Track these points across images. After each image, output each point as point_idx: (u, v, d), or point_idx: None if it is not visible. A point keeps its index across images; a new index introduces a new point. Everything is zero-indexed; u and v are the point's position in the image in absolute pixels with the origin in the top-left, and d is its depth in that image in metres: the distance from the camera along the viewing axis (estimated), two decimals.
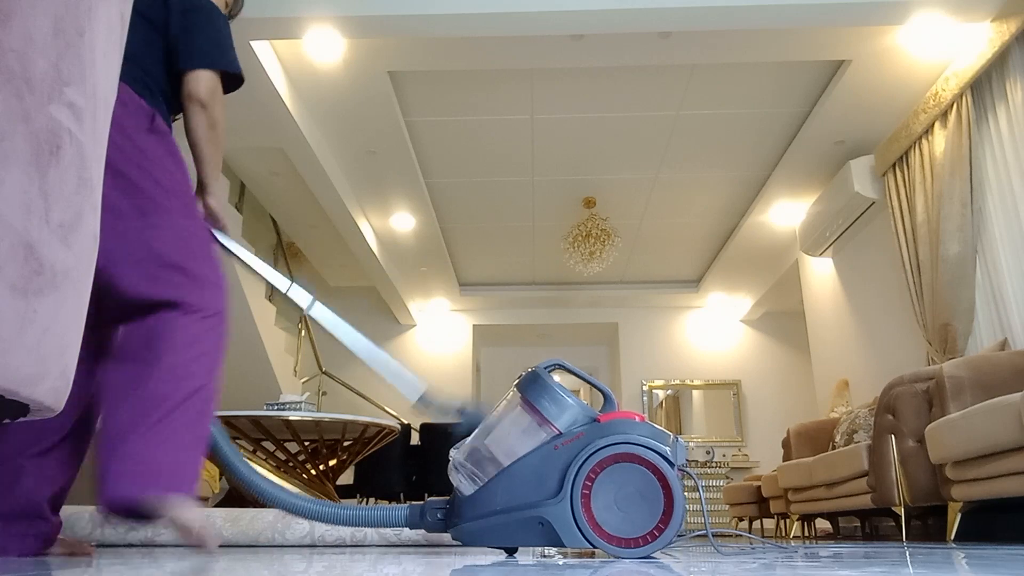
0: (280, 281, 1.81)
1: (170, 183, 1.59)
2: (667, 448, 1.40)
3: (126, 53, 1.59)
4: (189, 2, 1.71)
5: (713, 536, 1.56)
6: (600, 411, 1.49)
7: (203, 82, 1.68)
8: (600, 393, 1.56)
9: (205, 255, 1.65)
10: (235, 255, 1.83)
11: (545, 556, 1.67)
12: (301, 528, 2.31)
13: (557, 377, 1.53)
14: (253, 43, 4.01)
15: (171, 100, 1.73)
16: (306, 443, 4.14)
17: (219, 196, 1.78)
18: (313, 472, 4.06)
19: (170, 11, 1.67)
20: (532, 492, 1.42)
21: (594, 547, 1.39)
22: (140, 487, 1.37)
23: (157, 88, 1.68)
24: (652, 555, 1.39)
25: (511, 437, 1.47)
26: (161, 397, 1.44)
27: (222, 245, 1.82)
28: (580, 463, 1.40)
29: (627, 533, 1.38)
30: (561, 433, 1.44)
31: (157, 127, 1.63)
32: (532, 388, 1.47)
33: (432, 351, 9.06)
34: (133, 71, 1.58)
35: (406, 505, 1.58)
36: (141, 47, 1.62)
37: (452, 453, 1.52)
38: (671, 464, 1.39)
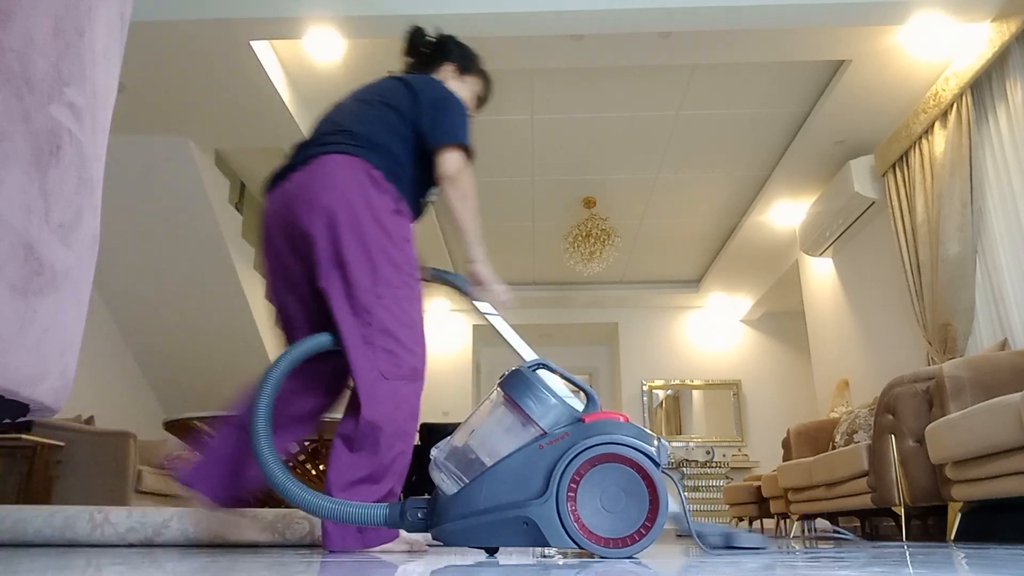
0: (526, 351, 1.90)
1: (403, 262, 1.85)
2: (653, 449, 1.40)
3: (377, 142, 1.85)
4: (437, 95, 2.01)
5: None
6: (583, 411, 1.48)
7: (452, 161, 1.91)
8: (584, 393, 1.55)
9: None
10: (490, 322, 2.01)
11: (545, 556, 1.67)
12: (301, 528, 2.31)
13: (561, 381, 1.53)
14: (253, 43, 4.01)
15: (419, 184, 1.99)
16: (306, 443, 4.14)
17: (483, 262, 2.01)
18: (313, 472, 4.06)
19: (420, 104, 1.96)
20: (517, 492, 1.41)
21: (580, 547, 1.38)
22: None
23: (406, 176, 1.93)
24: (636, 555, 1.40)
25: (495, 436, 1.46)
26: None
27: (478, 310, 2.03)
28: (566, 463, 1.39)
29: (613, 533, 1.38)
30: (546, 433, 1.43)
31: (401, 210, 1.89)
32: (516, 387, 1.46)
33: (432, 351, 8.98)
34: (387, 161, 1.87)
35: (385, 504, 1.57)
36: (390, 136, 1.91)
37: (433, 452, 1.50)
38: (656, 465, 1.39)
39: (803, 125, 5.26)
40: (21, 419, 0.85)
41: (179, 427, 3.86)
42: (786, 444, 5.13)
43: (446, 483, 1.47)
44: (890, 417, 3.39)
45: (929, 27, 3.95)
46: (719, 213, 6.84)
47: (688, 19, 3.80)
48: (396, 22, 3.81)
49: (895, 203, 4.87)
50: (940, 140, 4.35)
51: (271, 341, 6.50)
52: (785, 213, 6.47)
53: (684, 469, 7.83)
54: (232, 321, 6.06)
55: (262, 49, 4.13)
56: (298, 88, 4.70)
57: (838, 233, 5.75)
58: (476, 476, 1.44)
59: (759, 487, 5.82)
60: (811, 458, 4.36)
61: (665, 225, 7.12)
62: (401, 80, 2.06)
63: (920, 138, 4.58)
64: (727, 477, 7.79)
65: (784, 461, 5.00)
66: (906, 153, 4.76)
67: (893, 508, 3.38)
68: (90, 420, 4.98)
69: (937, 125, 4.39)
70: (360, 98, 2.04)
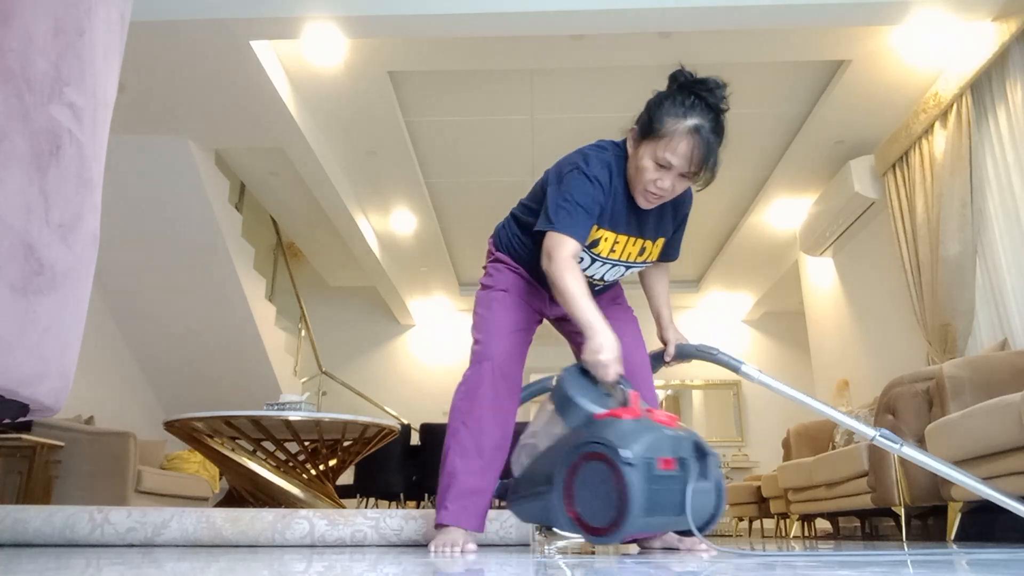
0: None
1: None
2: (621, 446, 1.44)
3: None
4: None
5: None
6: (605, 410, 1.57)
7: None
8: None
9: None
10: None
11: (545, 556, 1.68)
12: (301, 528, 2.32)
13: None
14: (253, 43, 4.01)
15: None
16: (306, 443, 4.14)
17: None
18: (313, 472, 4.06)
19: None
20: (545, 480, 1.59)
21: (573, 532, 1.52)
22: None
23: None
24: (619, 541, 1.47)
25: (540, 430, 1.68)
26: None
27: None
28: (565, 458, 1.54)
29: (595, 521, 1.48)
30: (569, 430, 1.59)
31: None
32: (554, 388, 1.64)
33: (432, 351, 9.05)
34: None
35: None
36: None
37: (522, 437, 1.74)
38: (623, 461, 1.43)
39: (803, 125, 5.26)
40: (21, 419, 0.85)
41: (179, 427, 3.86)
42: (786, 444, 5.13)
43: (517, 466, 1.72)
44: (890, 417, 3.39)
45: (929, 27, 3.95)
46: (719, 213, 6.84)
47: (688, 19, 3.80)
48: (396, 22, 3.81)
49: (895, 203, 4.86)
50: (940, 140, 4.35)
51: (270, 340, 6.50)
52: (785, 213, 6.47)
53: None
54: (232, 321, 6.06)
55: (262, 49, 4.13)
56: (298, 88, 4.70)
57: (838, 233, 5.75)
58: (528, 464, 1.69)
59: (759, 487, 5.82)
60: (811, 458, 4.36)
61: None
62: None
63: (920, 138, 4.58)
64: (727, 477, 7.79)
65: (784, 461, 5.00)
66: (906, 153, 4.76)
67: (893, 508, 3.38)
68: (90, 420, 4.99)
69: (937, 125, 4.39)
70: None
